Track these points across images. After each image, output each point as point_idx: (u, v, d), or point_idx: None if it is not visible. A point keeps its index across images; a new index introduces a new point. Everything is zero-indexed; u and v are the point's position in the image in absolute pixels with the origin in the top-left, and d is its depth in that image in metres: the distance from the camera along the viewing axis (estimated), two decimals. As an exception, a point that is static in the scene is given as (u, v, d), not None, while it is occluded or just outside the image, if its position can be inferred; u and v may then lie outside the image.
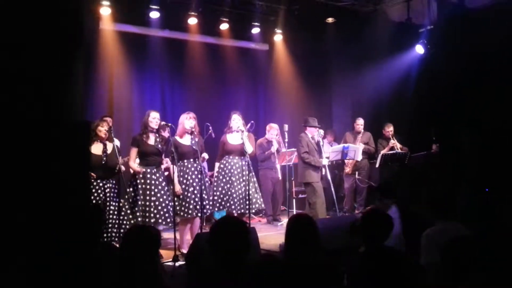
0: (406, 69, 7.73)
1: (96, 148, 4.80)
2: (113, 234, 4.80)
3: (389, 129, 7.33)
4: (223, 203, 5.59)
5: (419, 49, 7.46)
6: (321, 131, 6.48)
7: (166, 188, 4.99)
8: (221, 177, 5.67)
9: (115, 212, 4.82)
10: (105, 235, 4.73)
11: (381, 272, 2.41)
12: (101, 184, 4.79)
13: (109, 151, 4.81)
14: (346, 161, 7.09)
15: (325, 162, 6.21)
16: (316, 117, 6.52)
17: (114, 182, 4.89)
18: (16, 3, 3.45)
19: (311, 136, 6.25)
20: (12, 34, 3.43)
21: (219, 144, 5.84)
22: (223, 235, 2.24)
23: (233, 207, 5.57)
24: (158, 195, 4.89)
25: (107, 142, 4.84)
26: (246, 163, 5.61)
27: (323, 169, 6.34)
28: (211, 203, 5.49)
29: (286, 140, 7.09)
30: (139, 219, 4.81)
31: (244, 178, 5.65)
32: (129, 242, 2.32)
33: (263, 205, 6.05)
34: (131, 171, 5.01)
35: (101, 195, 4.76)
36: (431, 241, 2.88)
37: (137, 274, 2.22)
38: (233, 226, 2.29)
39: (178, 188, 5.06)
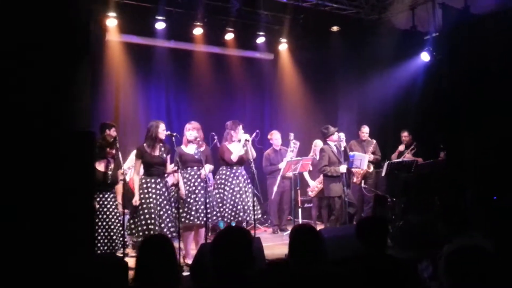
0: (412, 77, 7.71)
1: (100, 165, 4.86)
2: (117, 242, 4.83)
3: (403, 134, 7.44)
4: (231, 216, 5.57)
5: (425, 57, 7.43)
6: (342, 134, 6.29)
7: (168, 197, 5.01)
8: (227, 188, 5.62)
9: (116, 223, 4.86)
10: (108, 245, 4.76)
11: (379, 278, 2.42)
12: (101, 196, 4.83)
13: (113, 168, 4.90)
14: (354, 170, 6.99)
15: (343, 169, 6.10)
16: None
17: (114, 192, 4.96)
18: (24, 15, 3.50)
19: (334, 144, 6.19)
20: (19, 44, 3.47)
21: (222, 152, 5.73)
22: (226, 246, 2.22)
23: (240, 219, 5.57)
24: (162, 205, 4.90)
25: (111, 159, 4.91)
26: (249, 172, 5.62)
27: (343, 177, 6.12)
28: (214, 212, 5.48)
29: (291, 149, 7.07)
30: (143, 227, 4.81)
31: (248, 187, 5.67)
32: (147, 252, 2.28)
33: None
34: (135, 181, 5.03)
35: (102, 206, 4.81)
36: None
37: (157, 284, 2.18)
38: (236, 236, 2.27)
39: (183, 191, 5.08)
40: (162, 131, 4.98)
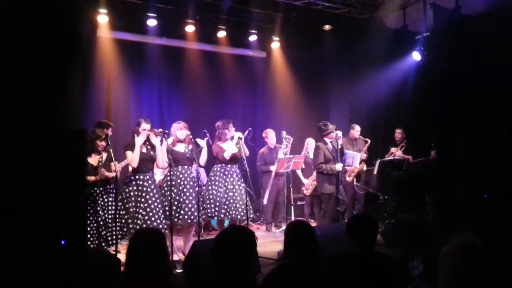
0: (403, 76, 7.76)
1: (93, 159, 4.91)
2: (109, 238, 4.88)
3: (397, 131, 7.48)
4: (223, 214, 5.57)
5: (416, 56, 7.48)
6: (339, 133, 6.26)
7: (157, 194, 5.01)
8: (220, 185, 5.63)
9: (110, 219, 4.90)
10: (101, 240, 4.79)
11: (369, 276, 2.43)
12: (98, 191, 4.90)
13: (103, 161, 4.93)
14: (348, 168, 6.97)
15: (339, 167, 6.09)
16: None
17: (111, 188, 4.97)
18: (14, 13, 3.46)
19: (330, 141, 6.19)
20: (10, 42, 3.43)
21: (216, 152, 5.73)
22: (229, 245, 2.17)
23: (233, 216, 5.57)
24: (150, 201, 4.90)
25: (103, 153, 4.97)
26: (241, 169, 5.62)
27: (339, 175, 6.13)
28: (207, 210, 5.47)
29: (284, 146, 7.08)
30: (131, 225, 4.82)
31: (240, 185, 5.68)
32: (138, 244, 2.24)
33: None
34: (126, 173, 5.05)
35: (99, 202, 4.88)
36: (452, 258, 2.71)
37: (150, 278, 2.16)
38: (240, 236, 2.23)
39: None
40: (143, 130, 4.98)
